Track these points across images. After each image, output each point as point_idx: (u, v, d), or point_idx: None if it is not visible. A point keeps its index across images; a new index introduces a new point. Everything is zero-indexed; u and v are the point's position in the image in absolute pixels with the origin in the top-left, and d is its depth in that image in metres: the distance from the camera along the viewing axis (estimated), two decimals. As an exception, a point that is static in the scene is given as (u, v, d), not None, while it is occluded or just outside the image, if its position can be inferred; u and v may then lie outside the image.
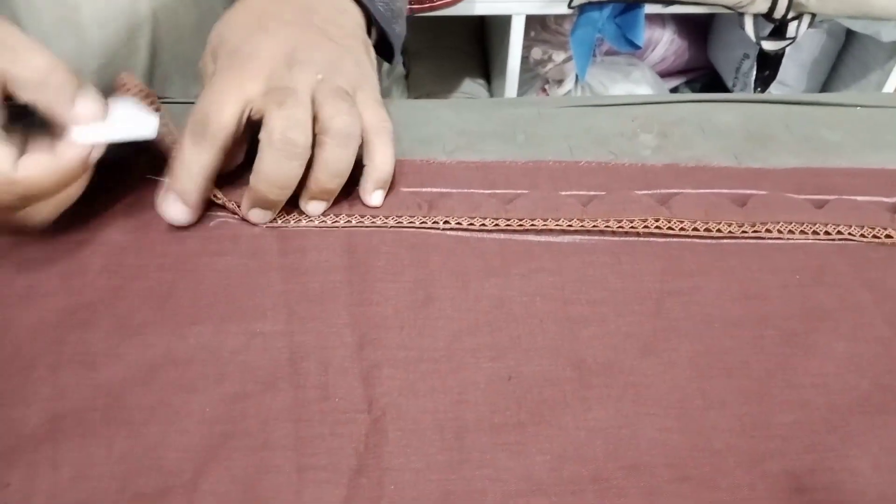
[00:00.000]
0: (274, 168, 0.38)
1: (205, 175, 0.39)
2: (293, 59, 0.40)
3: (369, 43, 0.47)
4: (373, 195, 0.41)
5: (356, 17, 0.47)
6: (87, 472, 0.32)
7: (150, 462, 0.32)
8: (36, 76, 0.34)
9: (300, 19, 0.43)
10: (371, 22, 0.48)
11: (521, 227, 0.41)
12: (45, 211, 0.37)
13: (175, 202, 0.39)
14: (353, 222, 0.41)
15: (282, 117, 0.37)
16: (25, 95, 0.34)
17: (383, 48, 0.52)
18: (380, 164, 0.41)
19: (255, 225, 0.41)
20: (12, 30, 0.34)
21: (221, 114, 0.38)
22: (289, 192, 0.39)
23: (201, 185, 0.39)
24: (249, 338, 0.36)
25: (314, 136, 0.39)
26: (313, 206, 0.41)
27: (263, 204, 0.40)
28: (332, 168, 0.39)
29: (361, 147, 0.41)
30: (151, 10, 0.53)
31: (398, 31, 0.51)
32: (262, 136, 0.38)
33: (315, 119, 0.39)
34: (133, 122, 0.38)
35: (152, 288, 0.38)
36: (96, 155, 0.37)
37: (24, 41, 0.34)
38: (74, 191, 0.37)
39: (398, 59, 0.53)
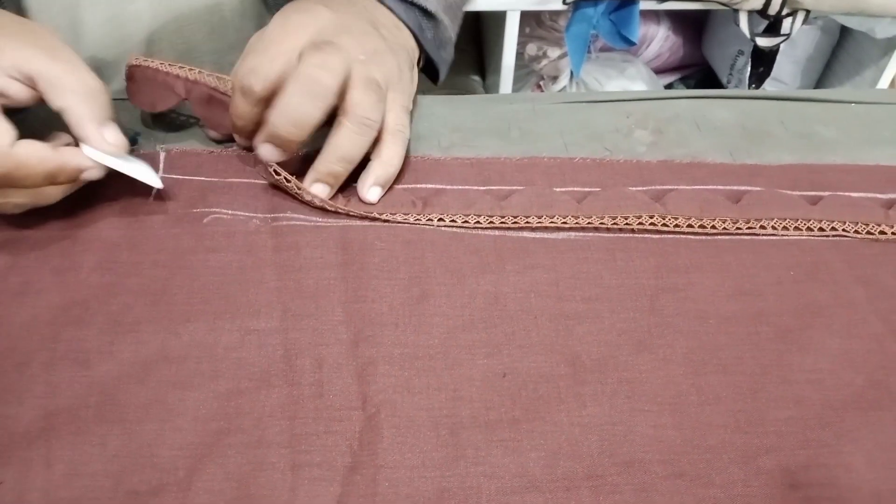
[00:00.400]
0: (294, 103, 0.38)
1: (254, 121, 0.41)
2: (343, 32, 0.41)
3: (415, 62, 0.49)
4: (371, 189, 0.41)
5: (409, 39, 0.49)
6: (80, 469, 0.31)
7: (144, 459, 0.32)
8: (85, 90, 0.37)
9: (360, 15, 0.45)
10: (421, 49, 0.50)
11: (516, 225, 0.41)
12: (18, 200, 0.37)
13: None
14: (350, 213, 0.41)
15: (315, 57, 0.38)
16: (60, 101, 0.37)
17: (428, 70, 0.54)
18: (385, 162, 0.42)
19: (264, 165, 0.41)
20: (73, 52, 0.38)
21: (269, 70, 0.39)
22: (302, 136, 0.39)
23: (250, 130, 0.42)
24: (244, 335, 0.36)
25: (335, 116, 0.40)
26: (316, 188, 0.41)
27: (275, 140, 0.40)
28: (342, 151, 0.40)
29: (372, 145, 0.42)
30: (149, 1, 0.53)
31: (445, 57, 0.53)
32: (292, 73, 0.38)
33: (342, 98, 0.40)
34: (140, 170, 0.40)
35: (146, 285, 0.38)
36: (92, 175, 0.39)
37: (81, 62, 0.38)
38: (53, 194, 0.38)
39: (443, 79, 0.55)
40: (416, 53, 0.49)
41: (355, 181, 0.42)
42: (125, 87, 0.45)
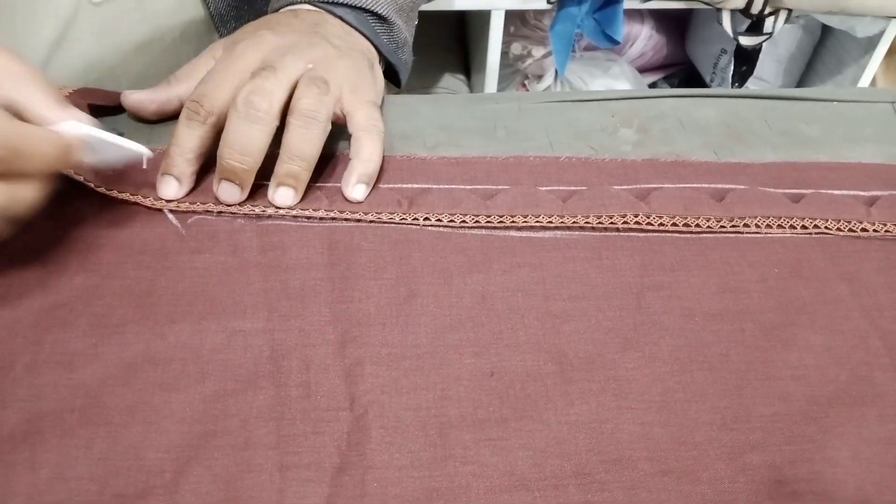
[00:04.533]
0: (234, 131, 0.39)
1: (197, 153, 0.40)
2: (289, 51, 0.42)
3: (376, 61, 0.49)
4: (355, 188, 0.41)
5: (362, 41, 0.49)
6: (65, 473, 0.31)
7: (130, 462, 0.32)
8: (35, 75, 0.35)
9: (308, 30, 0.45)
10: (379, 52, 0.50)
11: (502, 224, 0.41)
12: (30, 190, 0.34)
13: (169, 182, 0.41)
14: (333, 216, 0.41)
15: (250, 84, 0.39)
16: (14, 92, 0.34)
17: (389, 75, 0.54)
18: (365, 159, 0.42)
19: (231, 214, 0.41)
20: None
21: (217, 93, 0.40)
22: (252, 162, 0.39)
23: (194, 162, 0.41)
24: (230, 336, 0.36)
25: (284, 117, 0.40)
26: (281, 193, 0.41)
27: (229, 175, 0.40)
28: (292, 147, 0.40)
29: (350, 143, 0.42)
30: None
31: (404, 59, 0.53)
32: (231, 104, 0.39)
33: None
34: (126, 141, 0.38)
35: (130, 286, 0.37)
36: (85, 157, 0.36)
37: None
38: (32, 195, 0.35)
39: (404, 82, 0.55)
40: (373, 54, 0.49)
41: (338, 181, 0.42)
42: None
